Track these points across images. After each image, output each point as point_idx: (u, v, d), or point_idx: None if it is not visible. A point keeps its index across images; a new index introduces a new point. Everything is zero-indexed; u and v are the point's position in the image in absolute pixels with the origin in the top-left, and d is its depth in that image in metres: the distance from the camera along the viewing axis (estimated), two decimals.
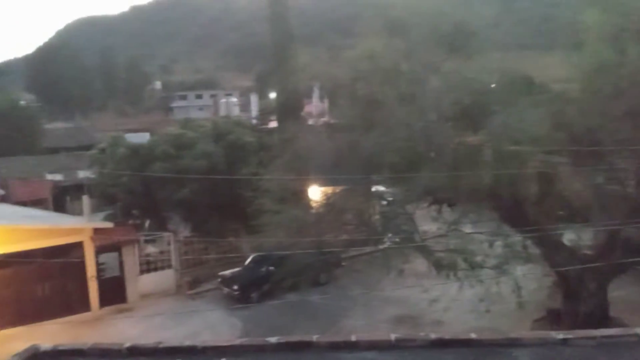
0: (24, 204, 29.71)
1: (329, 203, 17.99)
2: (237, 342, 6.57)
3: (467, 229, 16.24)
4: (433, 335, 6.46)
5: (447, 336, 6.48)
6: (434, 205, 17.34)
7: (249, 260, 24.59)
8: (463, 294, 16.46)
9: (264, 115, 47.47)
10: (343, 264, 25.09)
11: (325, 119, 23.52)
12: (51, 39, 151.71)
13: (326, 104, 24.46)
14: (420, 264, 16.65)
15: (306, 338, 6.48)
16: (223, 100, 76.90)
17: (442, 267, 15.65)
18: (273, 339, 6.43)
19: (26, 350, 6.16)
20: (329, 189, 19.13)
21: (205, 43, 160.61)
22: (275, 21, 29.28)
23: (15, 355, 6.04)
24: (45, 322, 20.30)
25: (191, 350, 6.32)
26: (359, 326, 19.28)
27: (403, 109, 15.68)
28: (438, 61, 16.20)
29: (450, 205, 17.23)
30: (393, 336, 6.46)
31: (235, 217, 26.05)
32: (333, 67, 18.18)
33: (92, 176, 31.62)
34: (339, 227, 18.20)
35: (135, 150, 28.04)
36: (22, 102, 59.88)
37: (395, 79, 16.34)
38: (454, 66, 15.85)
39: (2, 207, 27.65)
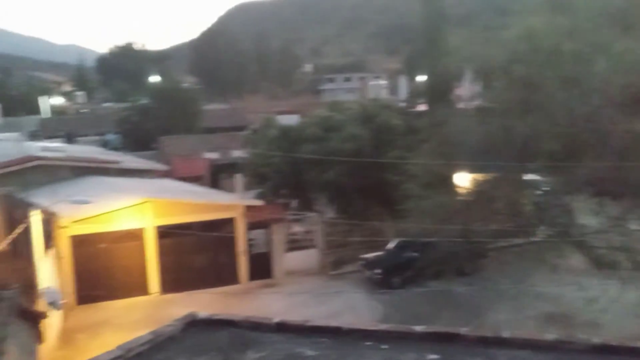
0: (184, 179, 31.96)
1: (478, 190, 17.32)
2: (382, 327, 6.45)
3: (634, 225, 14.79)
4: (596, 339, 5.86)
5: (613, 342, 5.85)
6: (595, 197, 15.98)
7: (392, 244, 24.47)
8: (625, 296, 15.06)
9: (412, 98, 46.81)
10: (490, 254, 24.10)
11: (476, 102, 22.64)
12: (213, 25, 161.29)
13: (478, 87, 23.49)
14: (576, 260, 15.47)
15: (453, 330, 6.19)
16: (371, 82, 77.11)
17: (602, 265, 14.44)
18: (419, 328, 6.22)
19: (185, 316, 6.52)
20: (478, 176, 18.40)
21: (354, 26, 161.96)
22: (427, 1, 28.56)
23: (176, 320, 6.42)
24: (199, 291, 21.72)
25: (336, 331, 6.31)
26: (505, 321, 18.40)
27: (564, 92, 14.57)
28: (608, 40, 14.79)
29: (614, 199, 15.78)
30: (549, 336, 5.96)
31: (380, 200, 26.02)
32: (487, 48, 17.34)
33: (245, 156, 33.19)
34: (488, 216, 17.48)
35: (285, 131, 28.97)
36: (185, 85, 64.36)
37: (556, 60, 15.20)
38: (627, 46, 14.37)
39: (166, 182, 29.96)
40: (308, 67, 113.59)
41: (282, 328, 6.31)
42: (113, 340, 18.02)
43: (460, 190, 19.17)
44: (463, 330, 6.13)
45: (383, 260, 23.68)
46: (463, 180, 19.67)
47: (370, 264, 23.84)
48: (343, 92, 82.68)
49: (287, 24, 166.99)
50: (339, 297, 21.51)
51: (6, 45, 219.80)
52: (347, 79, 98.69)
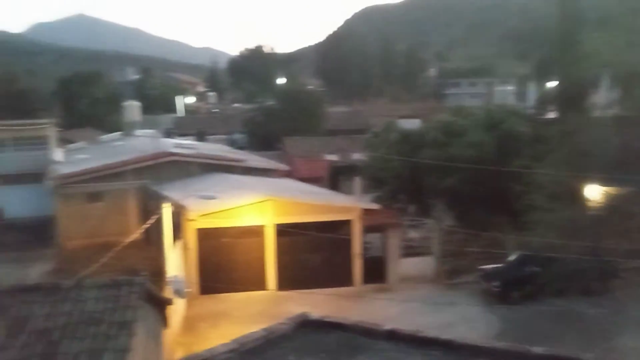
0: (304, 180, 32.66)
1: (612, 205, 16.12)
2: (498, 345, 6.17)
3: None
4: None
5: None
6: None
7: (513, 257, 23.44)
8: None
9: (541, 105, 44.56)
10: (622, 275, 22.34)
11: (613, 110, 21.08)
12: (339, 28, 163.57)
13: (616, 94, 21.88)
14: None
15: (576, 356, 5.79)
16: (498, 88, 74.41)
17: None
18: (538, 349, 5.88)
19: (298, 316, 6.64)
20: (612, 190, 17.14)
21: (482, 29, 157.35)
22: (564, 3, 27.08)
23: (289, 319, 6.55)
24: (313, 290, 22.06)
25: (448, 344, 6.13)
26: (636, 349, 16.97)
27: None
28: None
29: None
30: None
31: (501, 210, 25.04)
32: (629, 53, 16.10)
33: (365, 159, 33.30)
34: (622, 233, 16.21)
35: (406, 135, 28.74)
36: (310, 87, 65.83)
37: None
38: None
39: (287, 182, 30.80)
40: (433, 71, 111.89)
41: (393, 336, 6.23)
42: (230, 331, 18.78)
43: (590, 204, 17.95)
44: (587, 356, 5.72)
45: (502, 273, 22.75)
46: (594, 193, 18.40)
47: (489, 276, 22.99)
48: (468, 97, 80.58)
49: (414, 27, 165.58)
50: (453, 308, 20.95)
51: (148, 48, 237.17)
52: (473, 84, 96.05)
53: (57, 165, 32.61)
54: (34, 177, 35.23)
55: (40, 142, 37.05)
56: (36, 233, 31.62)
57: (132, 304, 10.69)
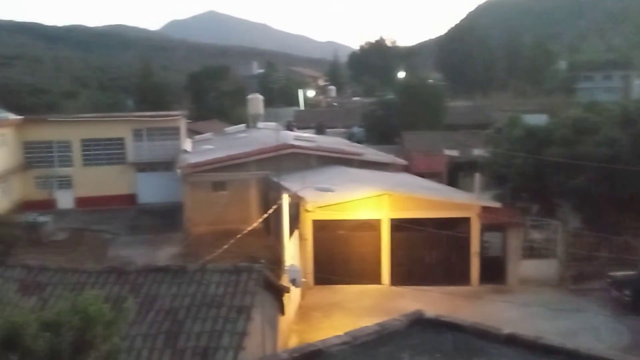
0: (422, 175, 32.22)
1: None
2: (629, 359, 5.71)
3: None
4: None
5: None
6: None
7: None
8: None
9: None
10: None
11: None
12: (462, 20, 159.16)
13: None
14: None
15: None
16: (636, 81, 68.95)
17: None
18: None
19: (412, 313, 6.53)
20: None
21: (618, 19, 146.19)
22: None
23: (403, 315, 6.47)
24: (427, 287, 21.72)
25: (573, 354, 5.75)
26: None
27: None
28: None
29: None
30: None
31: (635, 214, 23.21)
32: None
33: (486, 155, 32.22)
34: None
35: (531, 131, 27.40)
36: (430, 81, 64.69)
37: None
38: None
39: (404, 177, 30.52)
40: (562, 64, 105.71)
41: (512, 341, 5.95)
42: (343, 323, 18.99)
43: None
44: None
45: (635, 282, 21.09)
46: None
47: (619, 284, 21.42)
48: (601, 92, 75.32)
49: (542, 19, 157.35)
50: (578, 315, 19.74)
51: (273, 43, 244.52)
52: (607, 77, 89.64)
53: (186, 155, 34.58)
54: (164, 165, 37.69)
55: (171, 133, 39.53)
56: (165, 218, 33.80)
57: (251, 290, 11.10)
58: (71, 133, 38.16)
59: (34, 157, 37.83)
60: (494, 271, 23.59)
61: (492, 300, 21.66)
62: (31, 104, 59.65)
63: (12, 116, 38.59)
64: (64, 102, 67.37)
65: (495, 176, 28.85)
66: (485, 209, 23.63)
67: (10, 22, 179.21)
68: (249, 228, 20.42)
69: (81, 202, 37.58)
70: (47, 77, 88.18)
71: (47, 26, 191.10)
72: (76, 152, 38.22)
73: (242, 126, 47.17)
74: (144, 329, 10.33)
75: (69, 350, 6.77)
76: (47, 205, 36.05)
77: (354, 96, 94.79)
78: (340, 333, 5.96)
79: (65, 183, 37.99)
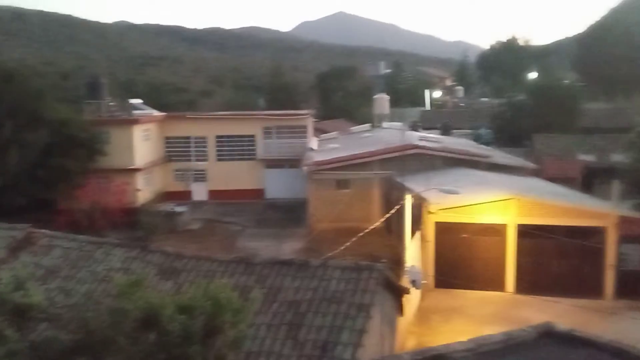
0: (553, 180, 30.60)
1: None
2: None
3: None
4: None
5: None
6: None
7: None
8: None
9: None
10: None
11: None
12: (604, 17, 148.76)
13: None
14: None
15: None
16: None
17: None
18: None
19: (541, 325, 6.29)
20: None
21: None
22: None
23: (531, 327, 6.25)
24: (555, 298, 20.62)
25: None
26: None
27: None
28: None
29: None
30: None
31: None
32: None
33: (626, 161, 29.98)
34: None
35: None
36: (566, 81, 61.17)
37: None
38: None
39: (534, 181, 29.16)
40: None
41: None
42: (463, 329, 18.54)
43: None
44: None
45: None
46: None
47: None
48: None
49: None
50: None
51: (401, 43, 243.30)
52: None
53: (312, 153, 35.43)
54: (291, 162, 38.91)
55: (299, 131, 40.72)
56: (290, 213, 34.91)
57: (371, 289, 11.19)
58: (207, 129, 40.51)
59: (174, 151, 40.61)
60: (633, 286, 21.86)
61: (630, 318, 20.11)
62: (172, 101, 64.00)
63: (156, 113, 41.68)
64: (201, 100, 71.66)
65: (636, 184, 26.74)
66: (623, 218, 22.00)
67: (156, 26, 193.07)
68: (371, 227, 20.54)
69: (214, 194, 39.80)
70: (186, 77, 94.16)
71: (188, 29, 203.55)
72: (211, 148, 40.53)
73: (367, 126, 47.46)
74: (268, 319, 10.76)
75: (200, 333, 7.26)
76: (183, 197, 38.62)
77: (482, 97, 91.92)
78: (461, 339, 5.88)
79: (201, 176, 40.43)
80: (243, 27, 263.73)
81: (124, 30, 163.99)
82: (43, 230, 13.84)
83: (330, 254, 16.94)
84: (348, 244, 18.59)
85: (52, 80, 60.07)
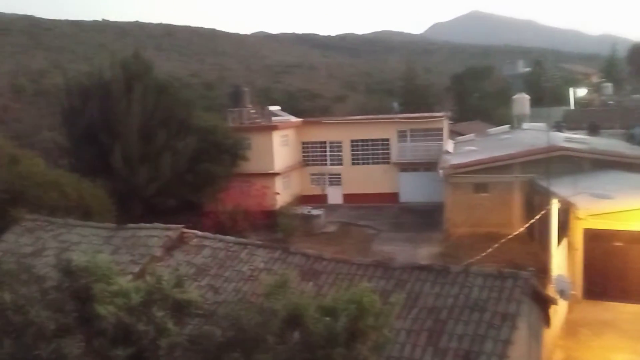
0: None
1: None
2: None
3: None
4: None
5: None
6: None
7: None
8: None
9: None
10: None
11: None
12: None
13: None
14: None
15: None
16: None
17: None
18: None
19: None
20: None
21: None
22: None
23: None
24: None
25: None
26: None
27: None
28: None
29: None
30: None
31: None
32: None
33: None
34: None
35: None
36: None
37: None
38: None
39: None
40: None
41: None
42: (616, 344, 17.22)
43: None
44: None
45: None
46: None
47: None
48: None
49: None
50: None
51: (540, 39, 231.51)
52: None
53: (448, 156, 34.70)
54: (425, 165, 38.41)
55: (434, 134, 40.12)
56: (425, 217, 34.43)
57: (516, 298, 10.70)
58: (342, 134, 41.13)
59: (310, 155, 41.68)
60: None
61: None
62: (307, 107, 65.78)
63: (294, 119, 43.06)
64: (334, 105, 72.92)
65: None
66: None
67: (292, 35, 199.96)
68: (514, 233, 19.66)
69: (348, 198, 40.29)
70: (321, 83, 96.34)
71: (322, 36, 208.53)
72: (346, 152, 41.10)
73: (505, 127, 45.63)
74: (407, 324, 10.65)
75: (343, 335, 7.32)
76: (319, 200, 39.50)
77: (635, 94, 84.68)
78: (614, 355, 5.40)
79: (336, 180, 41.13)
80: (375, 32, 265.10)
81: (262, 40, 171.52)
82: (194, 231, 14.75)
83: (471, 261, 16.44)
84: (490, 250, 17.93)
85: (198, 91, 64.21)
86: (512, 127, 45.16)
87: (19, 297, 6.54)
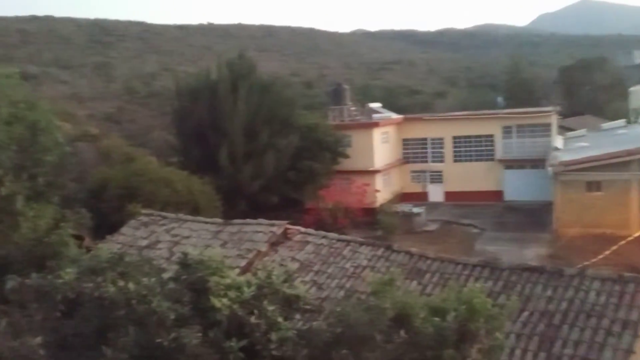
0: None
1: None
2: None
3: None
4: None
5: None
6: None
7: None
8: None
9: None
10: None
11: None
12: None
13: None
14: None
15: None
16: None
17: None
18: None
19: None
20: None
21: None
22: None
23: None
24: None
25: None
26: None
27: None
28: None
29: None
30: None
31: None
32: None
33: None
34: None
35: None
36: None
37: None
38: None
39: None
40: None
41: None
42: None
43: None
44: None
45: None
46: None
47: None
48: None
49: None
50: None
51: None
52: None
53: (557, 152, 33.11)
54: (532, 162, 36.86)
55: (541, 130, 38.43)
56: (531, 216, 33.05)
57: (638, 304, 10.01)
58: (443, 130, 40.35)
59: (410, 152, 41.23)
60: None
61: None
62: (406, 104, 65.03)
63: (394, 115, 42.76)
64: (434, 101, 71.62)
65: None
66: None
67: (390, 31, 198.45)
68: (634, 235, 18.43)
69: (450, 196, 39.47)
70: (420, 79, 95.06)
71: (421, 32, 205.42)
72: (447, 149, 40.30)
73: (621, 122, 42.88)
74: (517, 328, 10.25)
75: (453, 337, 7.14)
76: (420, 198, 38.99)
77: None
78: None
79: (437, 178, 40.41)
80: (476, 25, 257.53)
81: (360, 38, 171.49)
82: (297, 227, 14.99)
83: (585, 263, 15.57)
84: (607, 252, 16.90)
85: (298, 89, 65.26)
86: (628, 122, 42.36)
87: (142, 287, 6.93)
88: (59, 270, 7.90)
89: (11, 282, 7.54)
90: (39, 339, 6.69)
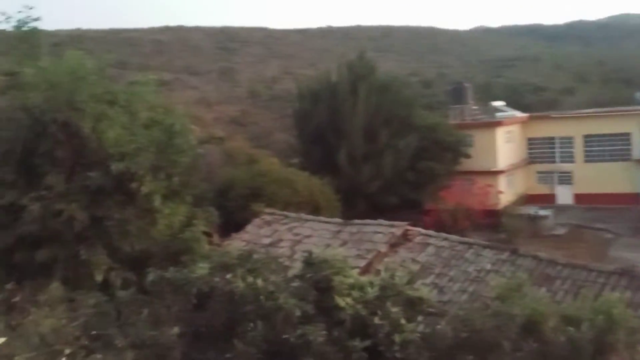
0: None
1: None
2: None
3: None
4: None
5: None
6: None
7: None
8: None
9: None
10: None
11: None
12: None
13: None
14: None
15: None
16: None
17: None
18: None
19: None
20: None
21: None
22: None
23: None
24: None
25: None
26: None
27: None
28: None
29: None
30: None
31: None
32: None
33: None
34: None
35: None
36: None
37: None
38: None
39: None
40: None
41: None
42: None
43: None
44: None
45: None
46: None
47: None
48: None
49: None
50: None
51: None
52: None
53: None
54: None
55: None
56: None
57: None
58: (573, 129, 38.19)
59: (536, 152, 39.39)
60: None
61: None
62: (531, 101, 62.09)
63: (519, 114, 41.04)
64: (562, 98, 67.78)
65: None
66: None
67: (513, 27, 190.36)
68: None
69: (580, 198, 37.23)
70: (545, 75, 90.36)
71: (547, 25, 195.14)
72: (577, 148, 38.10)
73: None
74: None
75: (589, 349, 6.72)
76: (546, 200, 37.12)
77: None
78: None
79: (566, 179, 38.28)
80: (610, 16, 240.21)
81: (481, 34, 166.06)
82: (417, 229, 14.81)
83: None
84: None
85: (417, 89, 64.45)
86: None
87: (269, 284, 7.16)
88: (191, 265, 8.37)
89: (152, 275, 8.09)
90: (176, 329, 7.12)
